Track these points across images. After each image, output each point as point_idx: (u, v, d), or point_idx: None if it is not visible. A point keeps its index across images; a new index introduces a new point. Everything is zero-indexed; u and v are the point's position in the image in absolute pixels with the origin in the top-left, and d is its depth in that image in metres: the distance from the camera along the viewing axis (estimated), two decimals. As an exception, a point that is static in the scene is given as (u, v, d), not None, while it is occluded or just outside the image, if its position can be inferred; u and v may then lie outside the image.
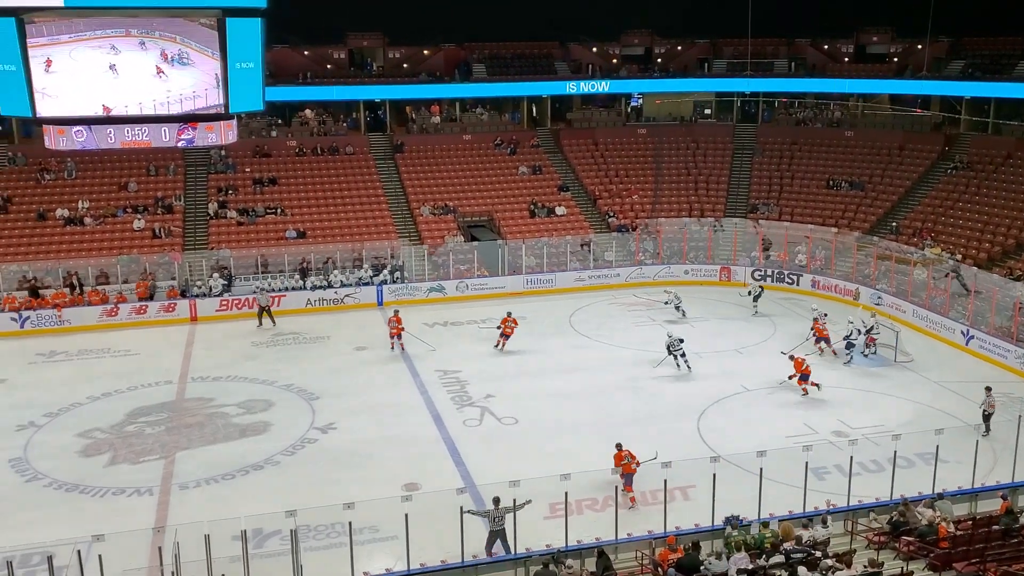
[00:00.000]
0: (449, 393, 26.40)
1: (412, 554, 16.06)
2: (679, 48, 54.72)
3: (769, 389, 26.45)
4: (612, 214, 42.86)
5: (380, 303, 36.14)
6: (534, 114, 51.87)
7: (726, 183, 45.62)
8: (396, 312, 31.30)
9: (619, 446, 20.17)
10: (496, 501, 17.30)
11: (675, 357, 27.85)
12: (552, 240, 39.73)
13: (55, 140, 20.08)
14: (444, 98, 49.65)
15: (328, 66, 50.45)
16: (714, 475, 17.27)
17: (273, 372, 28.61)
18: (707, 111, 52.10)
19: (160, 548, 16.09)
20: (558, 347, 30.62)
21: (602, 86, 50.13)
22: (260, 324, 33.48)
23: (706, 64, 52.63)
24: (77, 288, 34.62)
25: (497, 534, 17.09)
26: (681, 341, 28.08)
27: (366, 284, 36.55)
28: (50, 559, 14.89)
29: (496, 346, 30.26)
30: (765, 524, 16.68)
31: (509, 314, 30.36)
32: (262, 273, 36.65)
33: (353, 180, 43.94)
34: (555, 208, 42.88)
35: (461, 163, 46.00)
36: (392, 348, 30.45)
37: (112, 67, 19.42)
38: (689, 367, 27.82)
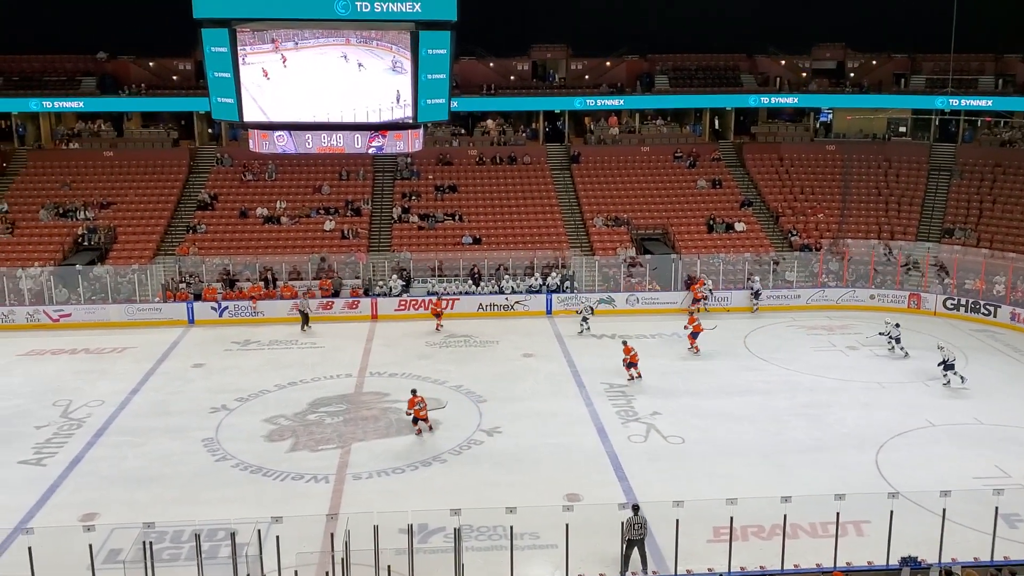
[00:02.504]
0: (615, 407, 26.26)
1: (571, 565, 16.09)
2: (874, 62, 52.29)
3: (957, 425, 24.74)
4: (795, 232, 41.40)
5: (549, 312, 36.46)
6: (716, 127, 50.94)
7: (919, 205, 43.13)
8: (439, 297, 35.49)
9: (414, 392, 24.35)
10: (635, 508, 17.09)
11: (891, 340, 30.21)
12: (729, 256, 38.81)
13: (259, 144, 21.38)
14: (624, 109, 49.57)
15: (511, 77, 51.45)
16: (891, 512, 16.38)
17: (444, 372, 29.43)
18: (902, 129, 49.42)
19: (332, 534, 16.86)
20: (730, 368, 29.85)
21: (790, 100, 48.65)
22: (305, 329, 34.21)
23: (903, 80, 50.01)
24: (271, 282, 36.94)
25: (635, 543, 16.84)
26: (898, 326, 30.35)
27: (536, 292, 36.98)
28: (233, 536, 15.92)
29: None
30: (948, 571, 15.62)
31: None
32: (437, 276, 37.78)
33: (529, 189, 44.59)
34: (734, 224, 41.88)
35: (637, 175, 45.75)
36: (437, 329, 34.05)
37: (318, 74, 20.49)
38: (906, 353, 30.45)
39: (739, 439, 23.86)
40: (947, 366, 27.71)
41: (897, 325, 31.07)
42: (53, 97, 45.40)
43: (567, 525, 15.92)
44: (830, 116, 50.51)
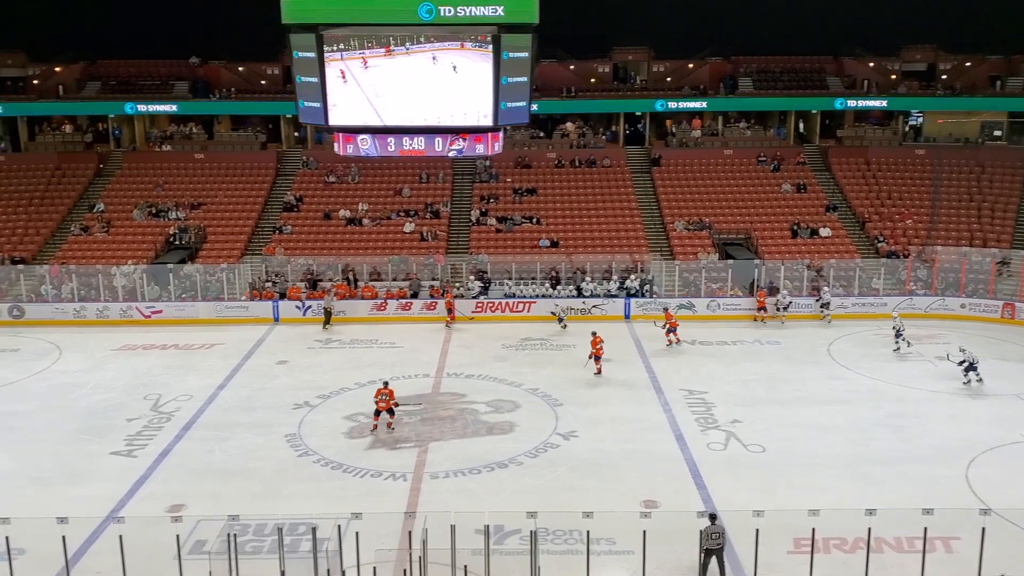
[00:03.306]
0: (694, 414, 25.93)
1: (648, 572, 15.95)
2: (967, 64, 50.60)
3: (1055, 442, 23.74)
4: (882, 238, 40.31)
5: (627, 316, 36.23)
6: (801, 130, 49.96)
7: (1015, 211, 41.53)
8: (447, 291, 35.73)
9: (386, 383, 24.96)
10: (712, 517, 16.85)
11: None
12: (814, 262, 37.96)
13: (343, 147, 21.81)
14: (706, 112, 48.98)
15: (591, 80, 51.33)
16: (983, 529, 15.78)
17: (520, 375, 29.48)
18: (996, 132, 47.71)
19: (410, 532, 17.05)
20: (813, 376, 29.20)
21: (878, 103, 47.43)
22: (327, 327, 34.90)
23: (998, 82, 48.27)
24: (352, 283, 37.58)
25: (713, 552, 16.61)
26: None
27: (613, 296, 36.78)
28: (314, 530, 16.26)
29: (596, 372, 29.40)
30: (1042, 592, 15.03)
31: (594, 333, 29.66)
32: (515, 280, 37.87)
33: (608, 192, 44.39)
34: (819, 229, 40.96)
35: (720, 178, 45.15)
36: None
37: (404, 79, 20.76)
38: (904, 345, 30.38)
39: (821, 449, 23.30)
40: (969, 367, 27.56)
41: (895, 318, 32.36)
42: (147, 101, 47.08)
43: (644, 532, 15.78)
44: (920, 119, 49.07)
